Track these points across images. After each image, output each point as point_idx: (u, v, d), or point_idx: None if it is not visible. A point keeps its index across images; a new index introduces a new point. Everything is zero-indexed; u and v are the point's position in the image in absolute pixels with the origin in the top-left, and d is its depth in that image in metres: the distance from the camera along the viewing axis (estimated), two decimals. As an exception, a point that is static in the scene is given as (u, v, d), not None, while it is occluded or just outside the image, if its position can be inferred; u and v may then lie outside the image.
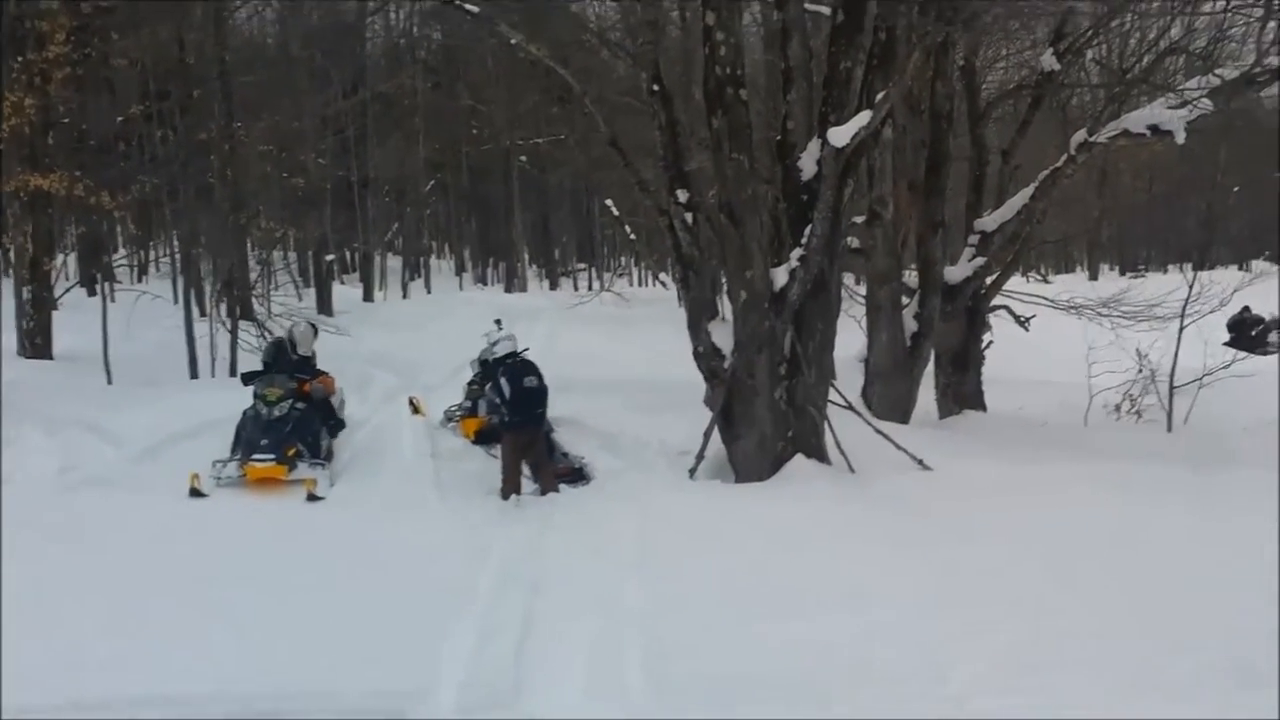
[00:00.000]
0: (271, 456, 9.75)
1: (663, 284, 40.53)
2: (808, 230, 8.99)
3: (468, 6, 10.23)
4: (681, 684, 5.26)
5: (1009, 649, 5.52)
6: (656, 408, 11.63)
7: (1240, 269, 38.51)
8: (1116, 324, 14.28)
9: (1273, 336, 24.67)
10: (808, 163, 9.12)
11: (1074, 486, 8.43)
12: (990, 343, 13.89)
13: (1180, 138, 10.98)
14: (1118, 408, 13.24)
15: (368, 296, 34.19)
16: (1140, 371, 13.26)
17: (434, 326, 24.05)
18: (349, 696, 5.21)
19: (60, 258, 23.05)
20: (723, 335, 9.35)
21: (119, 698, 5.17)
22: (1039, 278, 38.57)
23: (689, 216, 9.35)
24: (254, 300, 21.78)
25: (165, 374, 15.80)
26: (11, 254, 16.98)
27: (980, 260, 12.94)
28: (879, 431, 9.56)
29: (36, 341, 16.68)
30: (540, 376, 10.03)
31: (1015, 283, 15.34)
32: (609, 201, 25.63)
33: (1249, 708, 4.80)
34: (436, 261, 47.68)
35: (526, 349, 10.92)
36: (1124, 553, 6.95)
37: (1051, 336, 15.42)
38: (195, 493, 9.24)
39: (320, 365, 11.99)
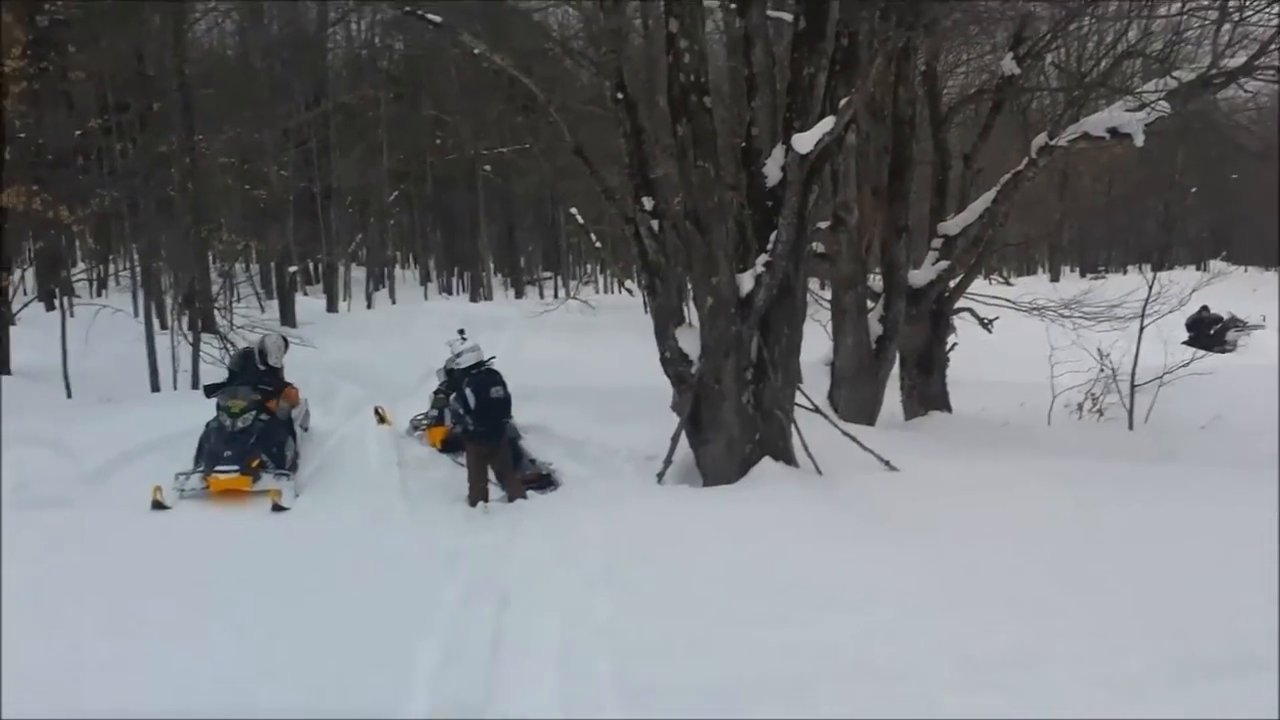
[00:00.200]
0: (235, 468, 9.68)
1: (629, 291, 40.54)
2: (773, 236, 9.02)
3: (430, 16, 10.22)
4: (653, 692, 5.23)
5: (979, 646, 5.54)
6: (623, 414, 11.62)
7: (1198, 269, 39.01)
8: (1078, 325, 14.43)
9: (1230, 335, 25.02)
10: (772, 169, 9.15)
11: (1038, 484, 8.50)
12: (954, 345, 14.00)
13: (1139, 140, 11.12)
14: (1080, 407, 13.36)
15: (331, 307, 34.01)
16: (1101, 371, 13.40)
17: (399, 336, 23.97)
18: (316, 711, 5.14)
19: (18, 272, 22.79)
20: (690, 341, 9.36)
21: (72, 712, 5.10)
22: (1001, 280, 38.82)
23: (655, 224, 9.36)
24: (216, 313, 21.61)
25: (126, 388, 15.66)
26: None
27: (944, 264, 13.05)
28: (846, 434, 9.61)
29: (-7, 357, 16.49)
30: (505, 386, 10.02)
31: (978, 285, 15.47)
32: (574, 210, 25.71)
33: (1216, 697, 4.85)
34: (401, 271, 47.51)
35: (493, 358, 10.89)
36: (1089, 547, 7.01)
37: (1014, 338, 15.55)
38: (158, 505, 9.16)
39: (286, 376, 11.91)
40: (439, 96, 38.57)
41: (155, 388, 16.64)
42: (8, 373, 16.47)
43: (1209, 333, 24.74)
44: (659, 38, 9.55)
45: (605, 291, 45.91)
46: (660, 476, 9.23)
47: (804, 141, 8.78)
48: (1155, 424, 12.30)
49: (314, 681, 5.43)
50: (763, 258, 9.06)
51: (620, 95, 9.32)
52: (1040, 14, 12.56)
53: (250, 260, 30.66)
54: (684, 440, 9.36)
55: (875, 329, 12.57)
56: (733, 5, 9.82)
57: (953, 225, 13.12)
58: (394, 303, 38.26)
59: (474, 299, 40.85)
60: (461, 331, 11.44)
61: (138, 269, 23.88)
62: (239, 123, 26.22)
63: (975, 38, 15.33)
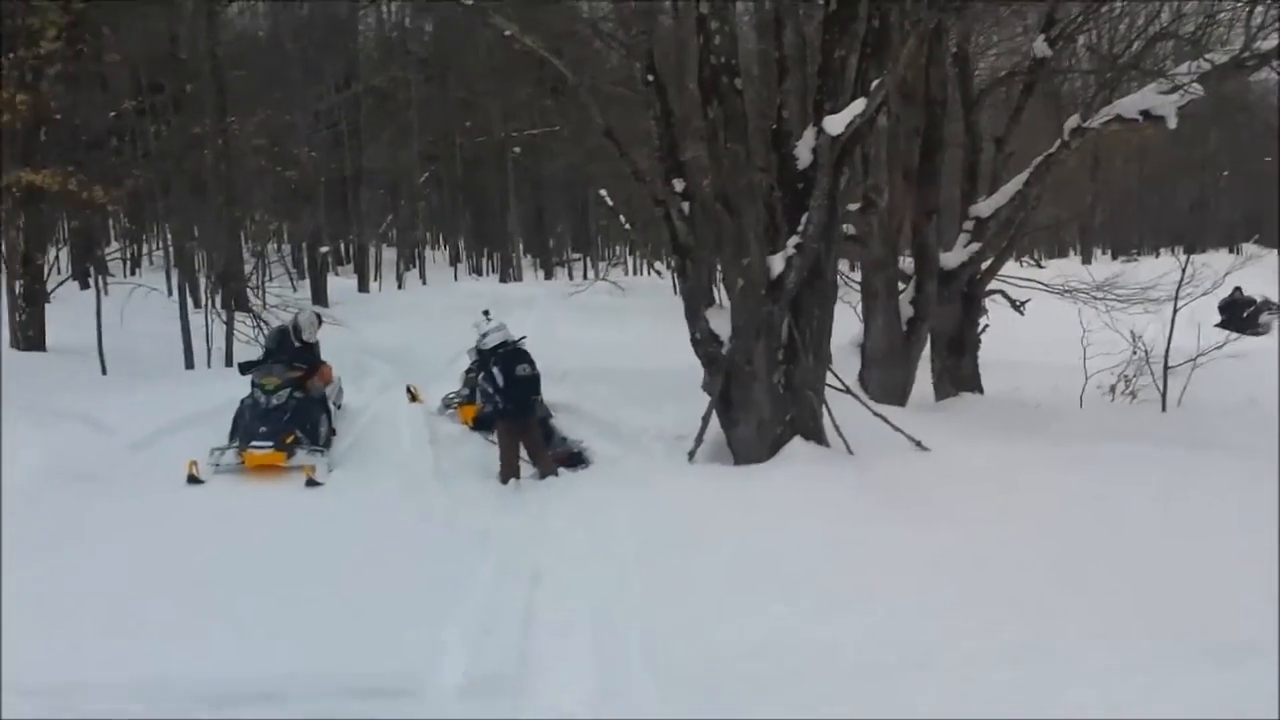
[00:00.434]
0: (270, 443, 9.79)
1: (657, 273, 40.59)
2: (804, 218, 9.03)
3: (460, -2, 10.25)
4: (684, 669, 5.31)
5: (1011, 628, 5.58)
6: (653, 394, 11.68)
7: (1231, 252, 38.65)
8: (1110, 307, 14.36)
9: (1264, 318, 24.81)
10: (803, 151, 9.15)
11: (1067, 468, 8.49)
12: (986, 326, 13.96)
13: (1172, 123, 11.06)
14: (1112, 389, 13.29)
15: (363, 288, 34.27)
16: (1134, 353, 13.32)
17: (429, 316, 24.13)
18: (350, 683, 5.23)
19: (53, 251, 23.05)
20: (720, 322, 9.39)
21: (118, 682, 5.22)
22: (1032, 262, 38.65)
23: (685, 206, 9.39)
24: (249, 292, 21.81)
25: (160, 365, 15.83)
26: (4, 249, 16.95)
27: (975, 246, 13.01)
28: (877, 414, 9.62)
29: (30, 334, 16.70)
30: (532, 364, 10.09)
31: (1009, 267, 15.38)
32: (603, 191, 25.64)
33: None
34: (431, 252, 47.73)
35: (524, 338, 10.96)
36: (1116, 535, 7.01)
37: (1046, 320, 15.48)
38: (193, 480, 9.30)
39: (320, 354, 12.02)
40: (469, 78, 38.66)
41: (189, 365, 16.82)
42: (43, 349, 16.68)
43: (1242, 315, 24.53)
44: (689, 20, 9.55)
45: (634, 273, 45.98)
46: (691, 456, 9.28)
47: (835, 123, 8.78)
48: (1188, 407, 12.24)
49: (348, 653, 5.53)
50: (793, 239, 9.08)
51: (651, 77, 9.34)
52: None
53: (282, 240, 30.89)
54: (715, 420, 9.40)
55: (906, 311, 12.56)
56: (764, -14, 9.82)
57: (984, 207, 13.07)
58: (424, 283, 38.49)
59: (504, 280, 41.05)
60: (486, 312, 11.49)
61: (171, 248, 24.10)
62: (270, 104, 26.41)
63: (1007, 19, 15.24)
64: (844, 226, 10.88)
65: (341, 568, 6.90)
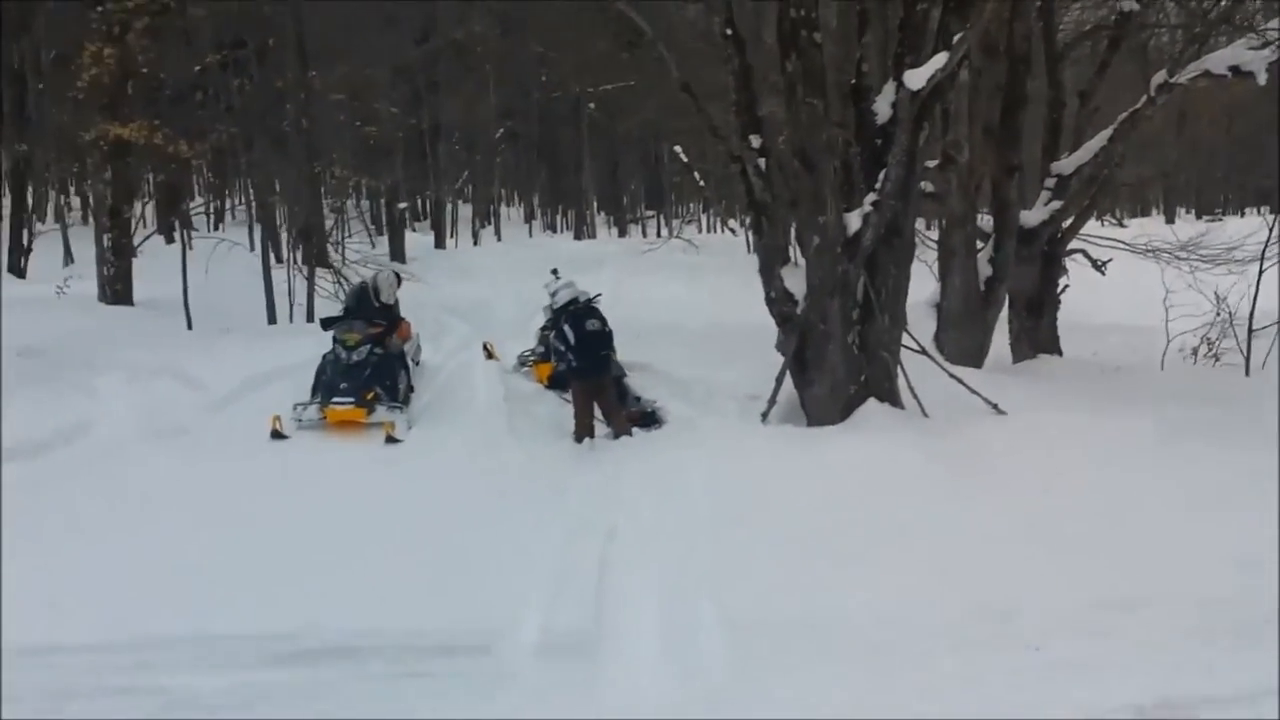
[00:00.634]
0: (351, 400, 9.95)
1: (731, 230, 40.36)
2: (881, 175, 8.92)
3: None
4: (755, 627, 5.36)
5: (1086, 595, 5.55)
6: (727, 353, 11.67)
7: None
8: (1194, 267, 14.03)
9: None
10: (882, 106, 9.02)
11: (1146, 435, 8.33)
12: (1066, 287, 13.71)
13: (1262, 79, 10.75)
14: (1194, 351, 13.02)
15: (439, 244, 34.52)
16: (1218, 315, 13.01)
17: (505, 273, 24.26)
18: (427, 640, 5.35)
19: (139, 206, 23.50)
20: (795, 280, 9.33)
21: (194, 637, 5.38)
22: (1114, 221, 37.83)
23: (761, 162, 9.32)
24: (329, 247, 22.09)
25: (243, 320, 16.12)
26: (92, 202, 17.34)
27: (1056, 204, 12.77)
28: (953, 376, 9.52)
29: (117, 288, 17.08)
30: (603, 320, 10.11)
31: (1090, 226, 15.05)
32: (678, 148, 25.57)
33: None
34: (506, 209, 47.93)
35: (599, 295, 11.00)
36: (1197, 496, 6.91)
37: (1128, 281, 15.18)
38: (276, 435, 9.50)
39: (399, 311, 12.16)
40: (545, 32, 38.56)
41: (272, 320, 17.11)
42: (130, 304, 17.07)
43: (1334, 277, 23.82)
44: (769, -28, 9.44)
45: (708, 230, 45.77)
46: (764, 416, 9.26)
47: (916, 78, 8.65)
48: (1272, 370, 11.94)
49: (425, 610, 5.66)
50: (870, 196, 8.98)
51: (729, 31, 9.26)
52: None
53: (361, 196, 31.19)
54: (788, 380, 9.38)
55: (984, 270, 12.37)
56: (845, -61, 9.65)
57: (1067, 165, 12.81)
58: (499, 240, 38.70)
59: (578, 237, 41.12)
60: (555, 271, 11.55)
61: (254, 203, 24.46)
62: (351, 59, 26.58)
63: (1096, -29, 14.88)
64: (922, 184, 10.73)
65: (417, 525, 7.04)
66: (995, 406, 9.10)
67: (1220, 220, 32.79)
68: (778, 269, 9.47)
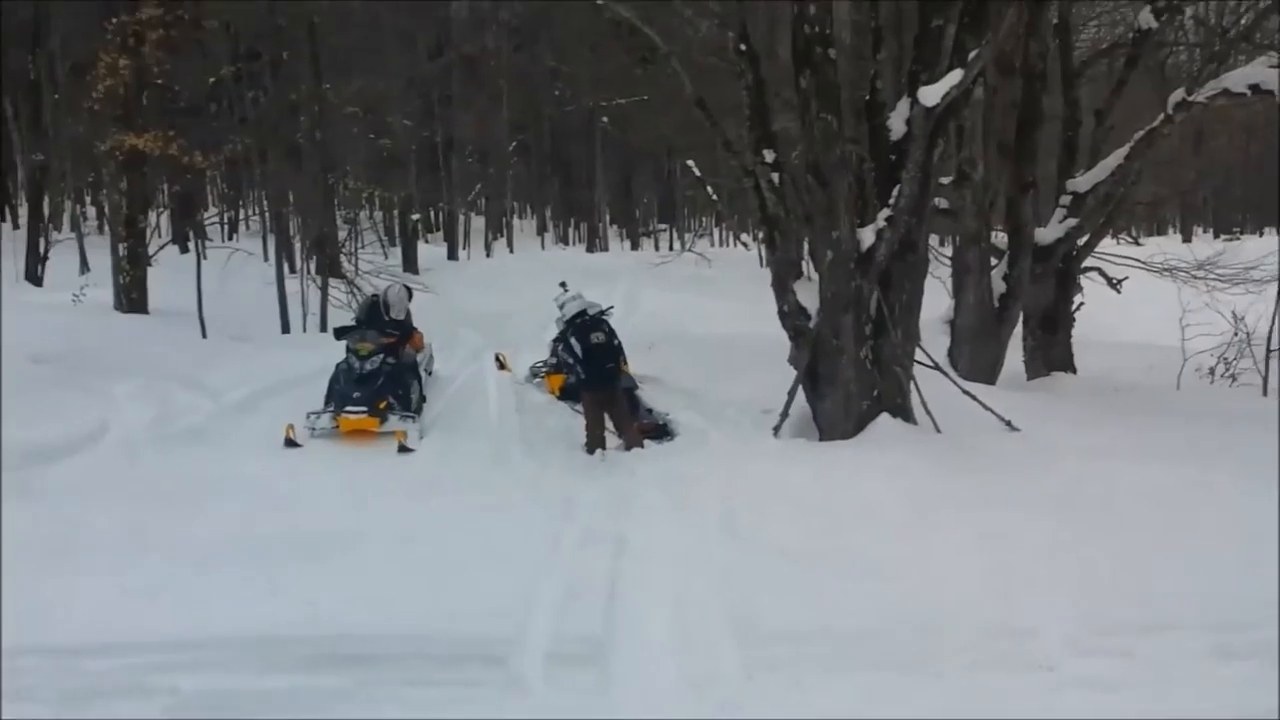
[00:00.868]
0: (364, 409, 9.98)
1: (744, 245, 40.35)
2: (895, 190, 8.91)
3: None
4: (768, 638, 5.35)
5: (1097, 611, 5.52)
6: (739, 366, 11.65)
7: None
8: (1211, 286, 13.99)
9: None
10: (896, 122, 9.02)
11: (1164, 454, 8.30)
12: (1080, 304, 13.69)
13: (1281, 97, 10.73)
14: (1211, 371, 12.97)
15: (452, 255, 34.66)
16: (1235, 335, 12.97)
17: (517, 285, 24.29)
18: (439, 648, 5.34)
19: (154, 215, 23.61)
20: (808, 295, 9.33)
21: (203, 640, 5.37)
22: (1130, 239, 37.74)
23: (775, 176, 9.32)
24: (343, 258, 22.17)
25: (257, 329, 16.19)
26: (108, 211, 17.43)
27: (1072, 221, 12.75)
28: (966, 392, 9.48)
29: (133, 296, 17.15)
30: (609, 333, 10.09)
31: (1106, 244, 15.04)
32: (690, 162, 25.60)
33: None
34: (519, 221, 48.05)
35: (610, 308, 11.00)
36: (1215, 517, 6.88)
37: (1144, 299, 15.14)
38: (290, 443, 9.52)
39: (413, 323, 12.18)
40: (559, 47, 38.71)
41: (285, 329, 17.18)
42: (146, 312, 17.14)
43: (1350, 298, 23.74)
44: (782, -12, 9.45)
45: (720, 245, 45.81)
46: (776, 430, 9.24)
47: (931, 94, 8.64)
48: (1291, 391, 11.91)
49: (436, 618, 5.63)
50: (884, 212, 8.96)
51: (743, 46, 9.28)
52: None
53: (374, 208, 31.32)
54: (800, 394, 9.36)
55: (998, 287, 12.35)
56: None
57: (1082, 182, 12.79)
58: (512, 252, 38.78)
59: (590, 249, 41.21)
60: (563, 283, 11.56)
61: (268, 214, 24.55)
62: (365, 72, 26.70)
63: (1112, -11, 14.88)
64: (937, 200, 10.73)
65: (429, 534, 7.02)
66: (1009, 423, 9.07)
67: (1238, 239, 32.70)
68: (791, 283, 9.46)
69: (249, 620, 5.57)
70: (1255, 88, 10.88)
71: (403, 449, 9.53)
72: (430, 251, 33.32)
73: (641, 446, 9.63)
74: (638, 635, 5.45)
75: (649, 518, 7.35)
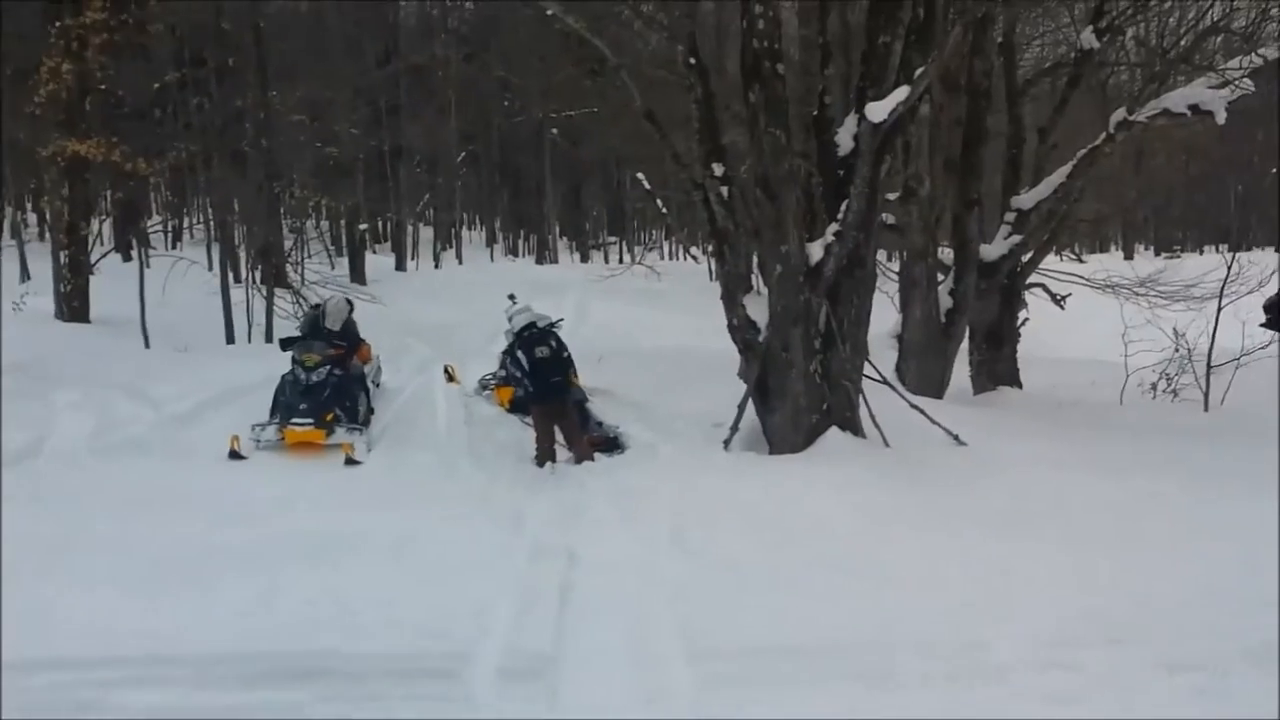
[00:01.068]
0: (310, 421, 9.87)
1: (694, 258, 40.43)
2: (844, 206, 8.98)
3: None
4: (719, 654, 5.33)
5: (1048, 624, 5.57)
6: (689, 380, 11.68)
7: (1278, 250, 38.09)
8: (1153, 303, 14.22)
9: (1311, 319, 24.44)
10: (844, 138, 9.10)
11: (1107, 467, 8.44)
12: (1025, 320, 13.86)
13: (1221, 118, 10.94)
14: (1154, 387, 13.17)
15: (400, 266, 34.43)
16: (1177, 351, 13.18)
17: (466, 296, 24.21)
18: (389, 664, 5.27)
19: (96, 223, 23.27)
20: (758, 309, 9.37)
21: (148, 657, 5.27)
22: (1073, 256, 38.30)
23: (724, 190, 9.36)
24: (289, 268, 21.96)
25: (201, 339, 15.98)
26: (49, 218, 17.16)
27: (1016, 238, 12.92)
28: (914, 406, 9.57)
29: (74, 305, 16.91)
30: (554, 346, 9.99)
31: (1050, 261, 15.25)
32: (640, 175, 25.62)
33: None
34: (468, 232, 47.89)
35: (560, 320, 10.96)
36: (1160, 529, 6.99)
37: (1087, 315, 15.36)
38: (235, 455, 9.41)
39: (360, 333, 12.07)
40: (508, 57, 38.67)
41: (230, 340, 16.98)
42: (87, 321, 16.87)
43: (1289, 315, 24.22)
44: (732, 3, 9.50)
45: (670, 258, 45.90)
46: (726, 443, 9.27)
47: (878, 111, 8.72)
48: (1230, 406, 12.10)
49: (386, 633, 5.58)
50: (833, 227, 9.03)
51: (692, 60, 9.31)
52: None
53: (321, 217, 31.07)
54: (750, 408, 9.39)
55: (945, 302, 12.49)
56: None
57: (1026, 199, 12.98)
58: (460, 263, 38.63)
59: (539, 261, 41.14)
60: (511, 296, 11.51)
61: (212, 222, 24.28)
62: (312, 79, 26.51)
63: (1054, 10, 15.08)
64: (884, 216, 10.83)
65: (377, 548, 6.94)
66: (956, 437, 9.16)
67: (1179, 257, 33.30)
68: (740, 297, 9.50)
69: (196, 635, 5.47)
70: (1195, 108, 11.09)
71: (350, 461, 9.43)
72: (378, 262, 33.08)
73: (592, 459, 9.59)
74: (588, 649, 5.41)
75: (599, 531, 7.32)
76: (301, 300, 18.63)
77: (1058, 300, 14.70)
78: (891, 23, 9.00)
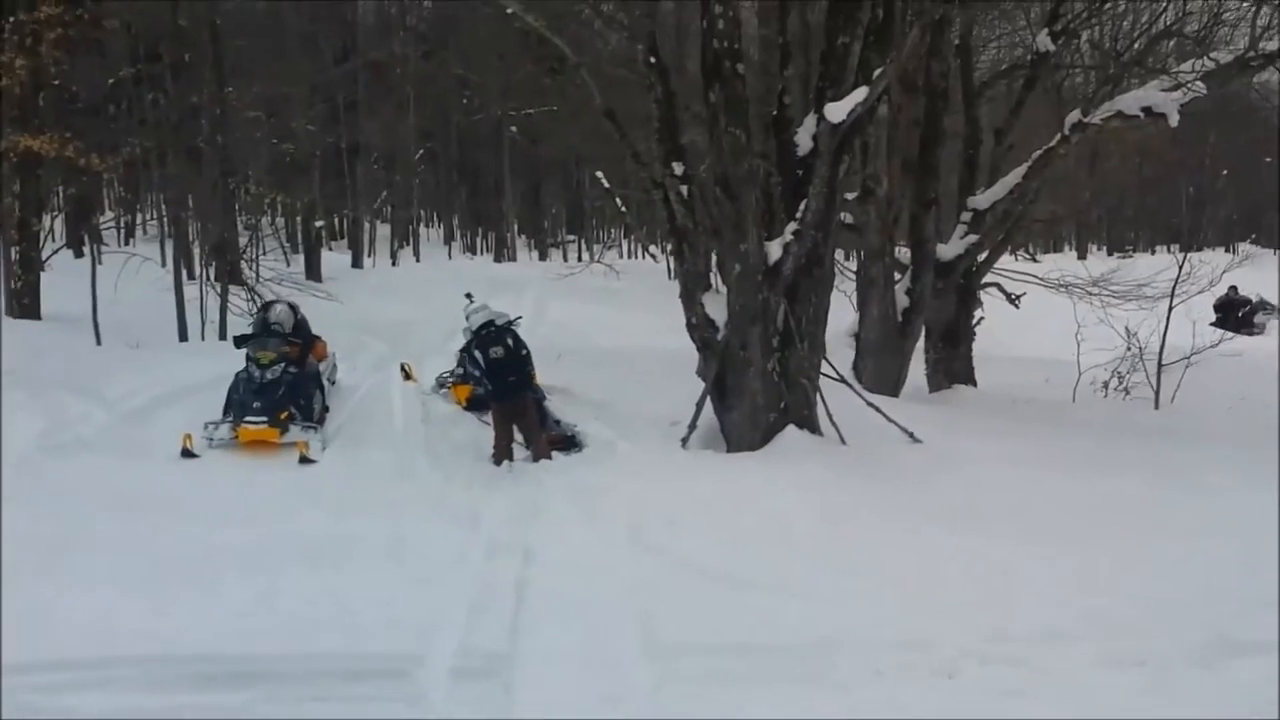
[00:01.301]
0: (264, 419, 9.75)
1: (652, 257, 40.45)
2: (802, 205, 9.01)
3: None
4: (677, 651, 5.33)
5: (998, 620, 5.61)
6: (647, 378, 11.68)
7: (1227, 251, 38.71)
8: (1106, 303, 14.38)
9: (1259, 317, 24.88)
10: (803, 138, 9.13)
11: (1057, 464, 8.55)
12: (981, 319, 13.98)
13: (1173, 120, 11.09)
14: (1106, 385, 13.32)
15: (356, 263, 34.19)
16: (1128, 350, 13.34)
17: (424, 294, 24.08)
18: (341, 664, 5.23)
19: (48, 219, 22.95)
20: (716, 307, 9.38)
21: (103, 659, 5.22)
22: (1028, 256, 38.67)
23: (684, 189, 9.36)
24: (243, 265, 21.75)
25: (154, 336, 15.76)
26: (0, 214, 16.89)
27: (972, 238, 13.02)
28: (870, 404, 9.63)
29: (25, 302, 16.63)
30: (509, 346, 9.89)
31: (1005, 261, 15.41)
32: (600, 173, 25.63)
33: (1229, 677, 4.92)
34: (426, 230, 47.63)
35: (519, 318, 10.92)
36: (1112, 526, 7.07)
37: (1041, 315, 15.50)
38: (187, 453, 9.27)
39: (312, 331, 11.96)
40: (467, 55, 38.51)
41: (183, 337, 16.78)
42: (38, 318, 16.62)
43: (1237, 315, 24.61)
44: (692, 2, 9.51)
45: (629, 256, 45.89)
46: (684, 441, 9.27)
47: (836, 111, 8.76)
48: (1181, 404, 12.27)
49: (338, 633, 5.54)
50: (791, 226, 9.06)
51: (652, 59, 9.30)
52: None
53: (277, 214, 30.81)
54: (708, 406, 9.40)
55: (902, 301, 12.57)
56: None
57: (982, 200, 13.08)
58: (418, 260, 38.42)
59: (498, 259, 41.01)
60: (469, 294, 11.45)
61: (166, 218, 24.02)
62: (268, 76, 26.27)
63: (1011, 13, 15.21)
64: (842, 215, 10.88)
65: (331, 547, 6.88)
66: (911, 435, 9.23)
67: (1131, 257, 33.73)
68: (699, 295, 9.51)
69: (145, 638, 5.40)
70: (1148, 110, 11.24)
71: (304, 460, 9.33)
72: (334, 259, 32.83)
73: (549, 458, 9.56)
74: (544, 649, 5.39)
75: (557, 529, 7.30)
76: (257, 297, 18.44)
77: (1012, 299, 14.84)
78: (850, 23, 9.05)
